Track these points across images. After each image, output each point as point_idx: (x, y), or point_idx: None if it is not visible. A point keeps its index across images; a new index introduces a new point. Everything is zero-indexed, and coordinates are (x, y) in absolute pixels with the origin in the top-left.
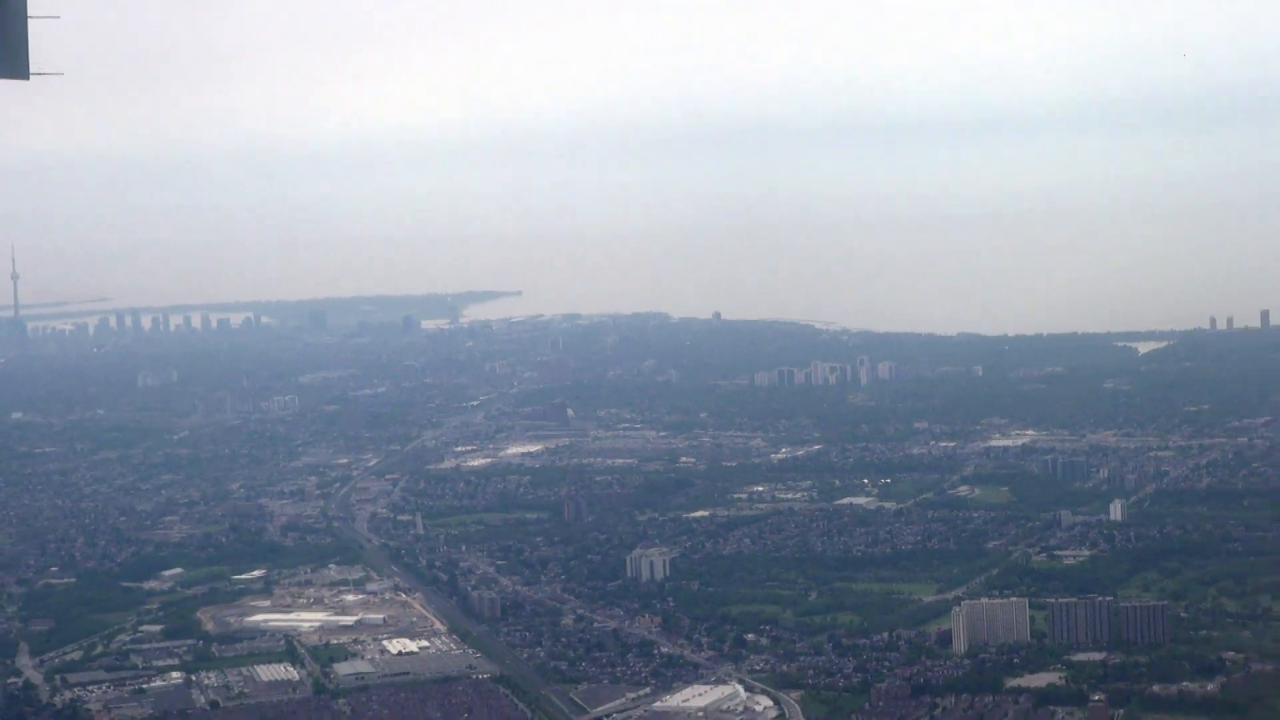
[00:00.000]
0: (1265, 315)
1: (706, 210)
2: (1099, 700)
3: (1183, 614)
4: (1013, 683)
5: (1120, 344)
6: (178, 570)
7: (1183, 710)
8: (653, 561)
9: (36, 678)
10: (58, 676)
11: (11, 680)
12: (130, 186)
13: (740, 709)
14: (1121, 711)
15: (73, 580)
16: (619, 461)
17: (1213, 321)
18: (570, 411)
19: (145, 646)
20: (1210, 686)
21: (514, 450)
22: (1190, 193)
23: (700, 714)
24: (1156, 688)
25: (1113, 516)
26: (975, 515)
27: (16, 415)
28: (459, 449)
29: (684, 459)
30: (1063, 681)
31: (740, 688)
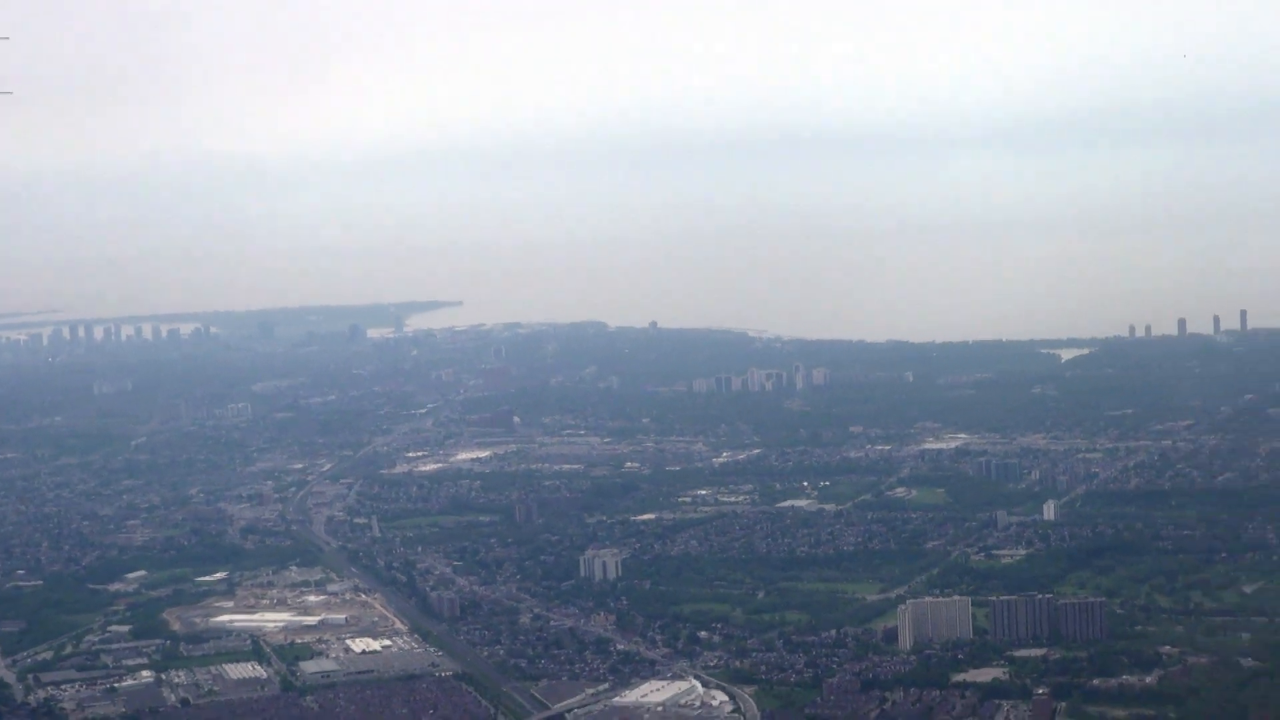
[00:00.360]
0: (1182, 324)
1: (641, 222)
2: (1043, 694)
3: (1118, 610)
4: (958, 678)
5: (1044, 351)
6: (142, 572)
7: (1123, 703)
8: (605, 562)
9: (9, 677)
10: (30, 676)
11: None
12: (80, 202)
13: (698, 703)
14: (1064, 704)
15: (40, 583)
16: (566, 466)
17: (1132, 330)
18: (516, 418)
19: (114, 646)
20: (1149, 680)
21: (464, 456)
22: (1108, 208)
23: (659, 708)
24: (1097, 681)
25: (1046, 516)
26: (913, 516)
27: None
28: (410, 454)
29: (629, 464)
30: (1006, 676)
31: (697, 683)
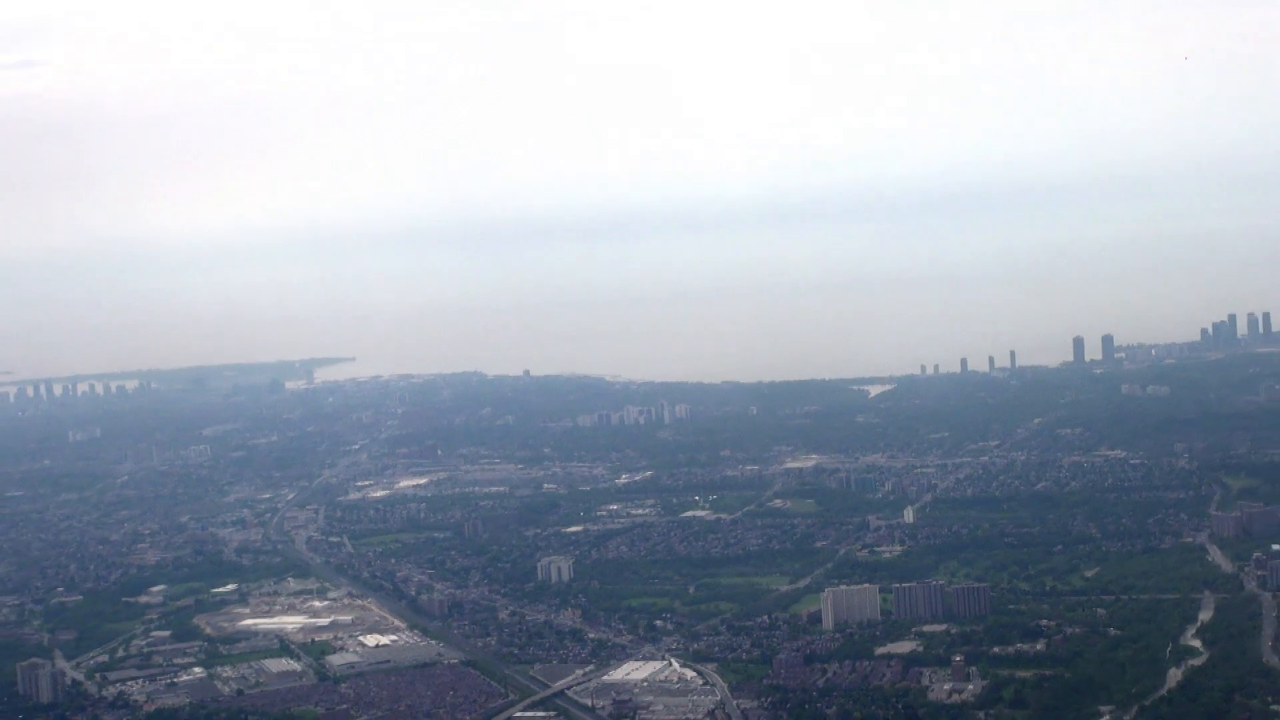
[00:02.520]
0: (964, 362)
1: (494, 290)
2: (959, 660)
3: (992, 593)
4: (881, 650)
5: (854, 387)
6: (162, 587)
7: (1022, 666)
8: (559, 566)
9: (79, 676)
10: (97, 675)
11: (65, 678)
12: (18, 280)
13: (675, 679)
14: (975, 668)
15: (80, 598)
16: (494, 489)
17: (923, 368)
18: (439, 451)
19: (161, 649)
20: (1038, 647)
21: (405, 483)
22: (882, 271)
23: (644, 683)
24: (996, 649)
25: (907, 520)
26: (796, 522)
27: None
28: (359, 483)
29: (546, 486)
30: (921, 648)
31: (675, 662)
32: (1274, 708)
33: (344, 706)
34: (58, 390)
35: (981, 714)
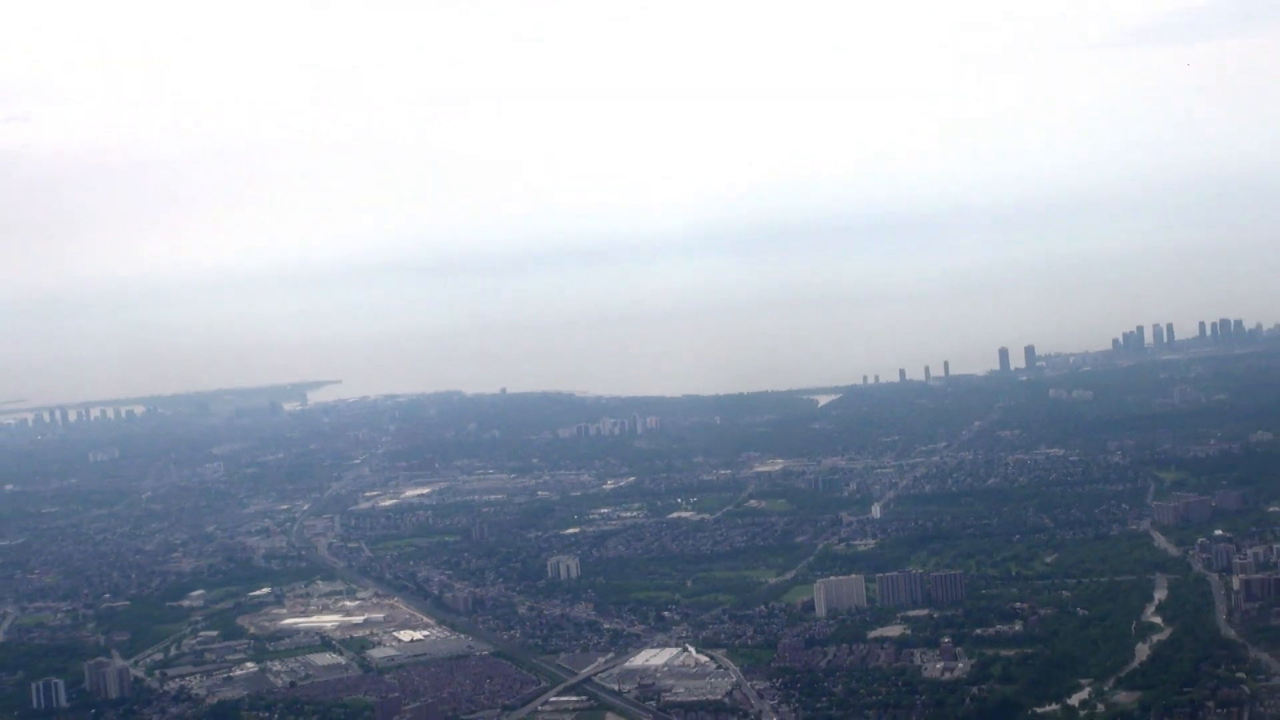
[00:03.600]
0: (902, 373)
1: (468, 315)
2: (947, 641)
3: (965, 580)
4: (873, 634)
5: (804, 397)
6: (201, 591)
7: (1004, 645)
8: (568, 565)
9: (139, 674)
10: (157, 671)
11: (129, 675)
12: (27, 317)
13: (692, 663)
14: (962, 648)
15: (127, 603)
16: (493, 497)
17: (865, 379)
18: (436, 464)
19: (212, 647)
20: (1016, 627)
21: (410, 493)
22: (822, 291)
23: (664, 668)
24: (978, 631)
25: (875, 515)
26: (774, 520)
27: (9, 487)
28: (367, 494)
29: (540, 493)
30: (909, 631)
31: (692, 649)
32: (1238, 675)
33: (394, 695)
34: (72, 416)
35: (975, 689)
